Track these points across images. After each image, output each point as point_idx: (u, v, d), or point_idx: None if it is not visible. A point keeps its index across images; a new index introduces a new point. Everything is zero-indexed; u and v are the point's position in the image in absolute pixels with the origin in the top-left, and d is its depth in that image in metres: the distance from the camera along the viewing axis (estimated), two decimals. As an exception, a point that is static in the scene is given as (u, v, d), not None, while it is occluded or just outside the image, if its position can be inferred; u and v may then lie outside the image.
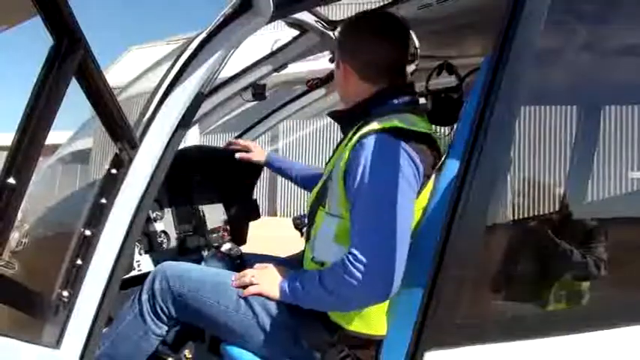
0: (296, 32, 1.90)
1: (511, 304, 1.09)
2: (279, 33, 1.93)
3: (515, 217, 1.41)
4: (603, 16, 1.08)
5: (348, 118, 1.40)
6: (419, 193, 1.22)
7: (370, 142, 1.20)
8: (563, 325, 0.89)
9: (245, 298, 1.34)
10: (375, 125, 1.23)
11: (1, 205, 0.83)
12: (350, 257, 1.15)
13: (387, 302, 1.23)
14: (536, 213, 1.38)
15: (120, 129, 1.06)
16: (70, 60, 0.84)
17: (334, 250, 1.27)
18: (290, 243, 2.60)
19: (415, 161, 1.20)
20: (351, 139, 1.28)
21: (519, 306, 1.09)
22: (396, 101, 1.33)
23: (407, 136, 1.21)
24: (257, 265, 1.42)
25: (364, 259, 1.13)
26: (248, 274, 1.37)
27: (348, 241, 1.23)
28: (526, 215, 1.41)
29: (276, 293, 1.32)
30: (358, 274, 1.13)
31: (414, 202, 1.21)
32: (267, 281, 1.34)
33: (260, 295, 1.34)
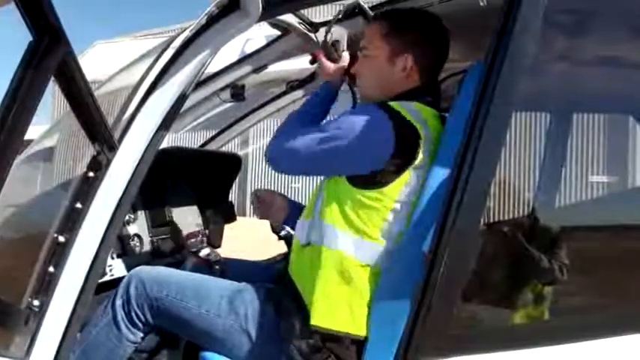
0: (266, 31, 1.87)
1: (505, 312, 1.10)
2: (250, 32, 1.90)
3: (509, 225, 1.43)
4: (596, 25, 1.11)
5: None
6: (387, 177, 1.22)
7: (360, 106, 1.34)
8: (558, 334, 0.90)
9: (228, 303, 1.31)
10: None
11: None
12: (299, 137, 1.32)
13: (367, 300, 1.24)
14: (528, 220, 1.40)
15: (99, 131, 1.01)
16: (50, 59, 0.79)
17: (317, 226, 1.30)
18: (262, 243, 2.59)
19: (389, 136, 1.21)
20: None
21: (514, 315, 1.10)
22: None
23: (396, 117, 1.23)
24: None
25: (299, 144, 1.31)
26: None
27: (330, 218, 1.27)
28: (520, 223, 1.43)
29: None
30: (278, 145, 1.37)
31: (358, 165, 1.25)
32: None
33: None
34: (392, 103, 1.27)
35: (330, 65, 1.52)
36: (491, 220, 1.29)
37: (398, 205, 1.23)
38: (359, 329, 1.24)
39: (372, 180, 1.23)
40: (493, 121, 0.93)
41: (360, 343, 1.25)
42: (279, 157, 1.37)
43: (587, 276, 1.15)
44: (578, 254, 1.21)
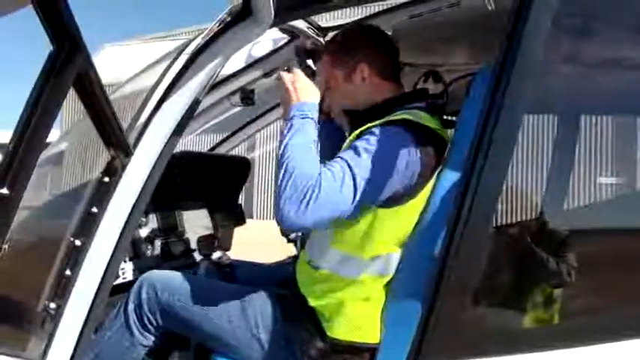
0: (272, 34, 1.87)
1: (516, 315, 1.10)
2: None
3: (519, 229, 1.43)
4: (605, 28, 1.11)
5: (362, 116, 1.36)
6: (414, 192, 1.21)
7: (378, 129, 1.21)
8: (569, 337, 0.91)
9: (238, 309, 1.32)
10: (382, 120, 1.24)
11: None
12: (319, 183, 1.11)
13: (379, 309, 1.24)
14: (538, 223, 1.40)
15: (115, 137, 1.03)
16: (70, 68, 0.81)
17: (331, 255, 1.27)
18: (269, 246, 2.60)
19: (415, 158, 1.19)
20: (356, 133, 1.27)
21: (525, 318, 1.10)
22: (408, 105, 1.34)
23: (415, 131, 1.21)
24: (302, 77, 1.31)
25: (319, 196, 1.10)
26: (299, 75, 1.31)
27: (345, 245, 1.23)
28: (530, 225, 1.43)
29: (292, 102, 1.26)
30: (305, 201, 1.10)
31: (403, 201, 1.20)
32: (304, 91, 1.28)
33: (288, 93, 1.28)
34: (405, 116, 1.25)
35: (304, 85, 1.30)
36: (502, 223, 1.29)
37: (416, 211, 1.22)
38: (375, 337, 1.24)
39: (405, 195, 1.20)
40: (504, 124, 0.94)
41: (372, 348, 1.25)
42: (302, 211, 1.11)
43: (598, 278, 1.15)
44: (588, 257, 1.20)
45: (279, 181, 1.14)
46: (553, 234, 1.30)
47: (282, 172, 1.15)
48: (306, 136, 1.21)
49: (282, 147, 1.19)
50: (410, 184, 1.19)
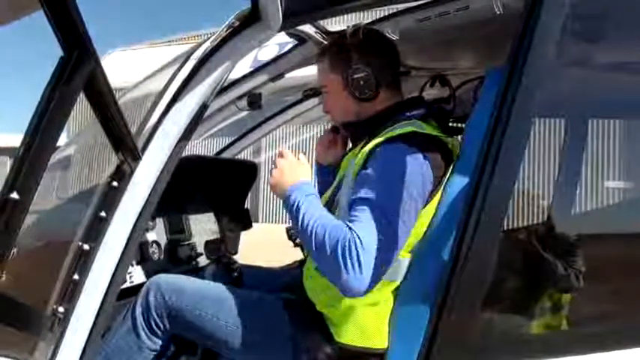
0: (277, 38, 1.87)
1: (526, 322, 1.09)
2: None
3: (529, 236, 1.42)
4: (617, 30, 1.10)
5: (363, 127, 1.38)
6: (427, 202, 1.21)
7: (386, 148, 1.21)
8: (579, 344, 0.90)
9: (246, 314, 1.32)
10: (390, 133, 1.24)
11: (2, 220, 0.79)
12: (355, 239, 1.10)
13: (387, 315, 1.23)
14: (549, 228, 1.38)
15: (124, 141, 1.03)
16: (80, 74, 0.81)
17: None
18: (275, 249, 2.60)
19: (428, 171, 1.19)
20: (364, 146, 1.28)
21: (534, 325, 1.09)
22: (408, 113, 1.35)
23: (423, 144, 1.21)
24: (291, 159, 1.32)
25: (364, 250, 1.09)
26: (281, 163, 1.31)
27: None
28: (539, 232, 1.42)
29: (284, 190, 1.27)
30: (354, 261, 1.08)
31: (420, 211, 1.19)
32: (289, 175, 1.29)
33: (272, 186, 1.30)
34: (407, 129, 1.25)
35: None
36: (511, 227, 1.28)
37: (427, 217, 1.22)
38: (383, 343, 1.24)
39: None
40: (514, 128, 0.93)
41: (381, 353, 1.25)
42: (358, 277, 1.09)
43: (608, 284, 1.14)
44: (597, 261, 1.19)
45: (319, 262, 1.18)
46: (562, 239, 1.29)
47: (317, 250, 1.16)
48: (317, 209, 1.22)
49: (303, 228, 1.19)
50: (426, 195, 1.20)
